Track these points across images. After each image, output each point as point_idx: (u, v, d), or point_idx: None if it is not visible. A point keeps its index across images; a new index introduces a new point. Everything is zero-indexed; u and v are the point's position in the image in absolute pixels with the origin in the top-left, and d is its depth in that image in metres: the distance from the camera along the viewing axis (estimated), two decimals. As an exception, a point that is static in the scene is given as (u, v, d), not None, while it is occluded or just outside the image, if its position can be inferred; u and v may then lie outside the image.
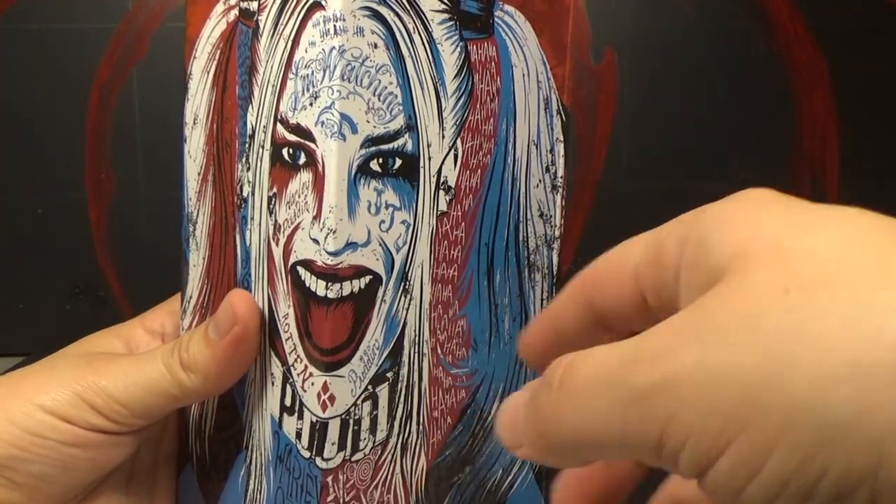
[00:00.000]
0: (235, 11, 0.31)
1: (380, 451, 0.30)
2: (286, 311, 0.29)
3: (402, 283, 0.29)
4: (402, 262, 0.29)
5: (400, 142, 0.28)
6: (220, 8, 0.32)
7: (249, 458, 0.31)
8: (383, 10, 0.27)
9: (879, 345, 0.15)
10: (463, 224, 0.30)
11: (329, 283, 0.28)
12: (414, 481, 0.31)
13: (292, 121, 0.28)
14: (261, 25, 0.30)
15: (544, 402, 0.20)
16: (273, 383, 0.30)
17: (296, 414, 0.29)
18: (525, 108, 0.31)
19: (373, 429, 0.29)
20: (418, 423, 0.30)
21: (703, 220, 0.20)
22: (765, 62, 0.64)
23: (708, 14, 0.63)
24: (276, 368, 0.30)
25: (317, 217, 0.28)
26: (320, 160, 0.28)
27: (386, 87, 0.28)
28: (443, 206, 0.30)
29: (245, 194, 0.31)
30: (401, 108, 0.28)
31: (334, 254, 0.28)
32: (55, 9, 0.61)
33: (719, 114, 0.64)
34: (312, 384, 0.29)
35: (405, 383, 0.30)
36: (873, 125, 0.65)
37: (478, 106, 0.30)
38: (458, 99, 0.29)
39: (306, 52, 0.28)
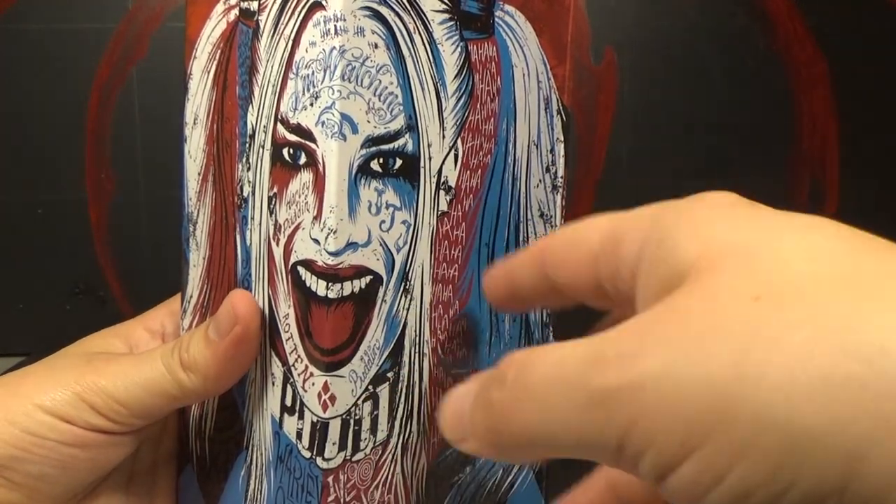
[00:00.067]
0: (235, 11, 0.31)
1: (380, 452, 0.30)
2: (287, 312, 0.29)
3: (403, 284, 0.29)
4: (403, 263, 0.29)
5: (400, 142, 0.28)
6: (220, 8, 0.32)
7: (250, 458, 0.31)
8: (384, 11, 0.27)
9: (854, 358, 0.15)
10: (463, 224, 0.30)
11: (329, 283, 0.28)
12: (414, 481, 0.31)
13: (293, 121, 0.28)
14: (261, 25, 0.30)
15: (496, 399, 0.20)
16: (273, 383, 0.30)
17: (296, 414, 0.29)
18: (525, 108, 0.31)
19: (373, 429, 0.29)
20: (419, 423, 0.30)
21: (666, 219, 0.20)
22: (765, 62, 0.64)
23: (708, 14, 0.63)
24: (277, 368, 0.30)
25: (317, 217, 0.28)
26: (321, 160, 0.28)
27: (386, 88, 0.28)
28: (443, 207, 0.30)
29: (245, 194, 0.31)
30: (401, 108, 0.28)
31: (335, 254, 0.28)
32: (55, 9, 0.60)
33: (719, 114, 0.64)
34: (313, 384, 0.29)
35: (406, 383, 0.30)
36: (873, 125, 0.65)
37: (478, 106, 0.30)
38: (459, 99, 0.29)
39: (307, 52, 0.28)
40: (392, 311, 0.29)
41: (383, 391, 0.29)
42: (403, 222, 0.29)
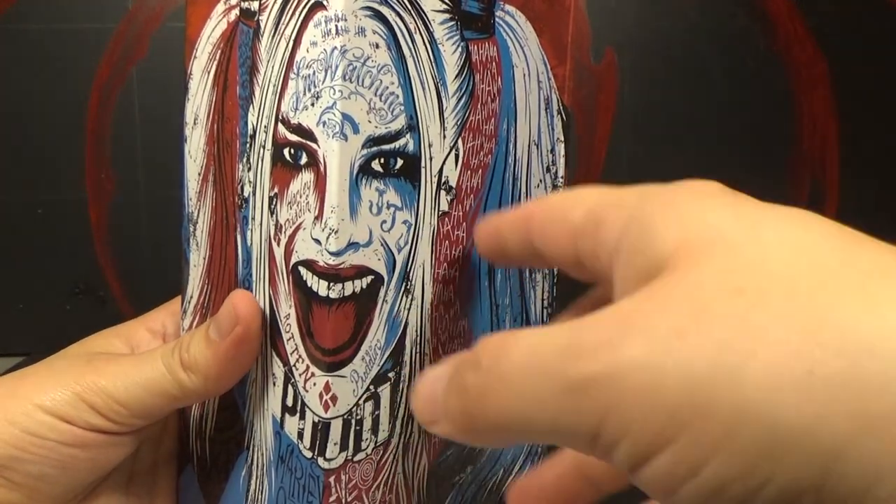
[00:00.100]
0: (236, 11, 0.31)
1: (382, 452, 0.30)
2: (288, 312, 0.29)
3: (404, 284, 0.29)
4: (404, 263, 0.29)
5: (401, 142, 0.28)
6: (220, 8, 0.32)
7: (251, 458, 0.31)
8: (385, 11, 0.27)
9: (837, 355, 0.15)
10: (464, 224, 0.30)
11: (331, 284, 0.28)
12: (416, 481, 0.31)
13: (294, 121, 0.28)
14: (262, 25, 0.30)
15: (471, 382, 0.19)
16: (275, 383, 0.30)
17: (298, 414, 0.29)
18: (526, 108, 0.31)
19: (375, 429, 0.29)
20: (420, 423, 0.30)
21: (648, 205, 0.20)
22: (765, 62, 0.64)
23: (708, 14, 0.63)
24: (278, 369, 0.30)
25: (318, 217, 0.28)
26: (322, 160, 0.28)
27: (387, 88, 0.28)
28: (444, 207, 0.30)
29: (246, 194, 0.31)
30: (402, 108, 0.28)
31: (336, 254, 0.28)
32: (55, 9, 0.61)
33: (719, 114, 0.64)
34: (314, 384, 0.29)
35: (407, 383, 0.30)
36: (873, 125, 0.65)
37: (479, 106, 0.30)
38: (460, 99, 0.29)
39: (308, 52, 0.28)
40: (393, 312, 0.29)
41: (385, 391, 0.29)
42: (404, 222, 0.29)
